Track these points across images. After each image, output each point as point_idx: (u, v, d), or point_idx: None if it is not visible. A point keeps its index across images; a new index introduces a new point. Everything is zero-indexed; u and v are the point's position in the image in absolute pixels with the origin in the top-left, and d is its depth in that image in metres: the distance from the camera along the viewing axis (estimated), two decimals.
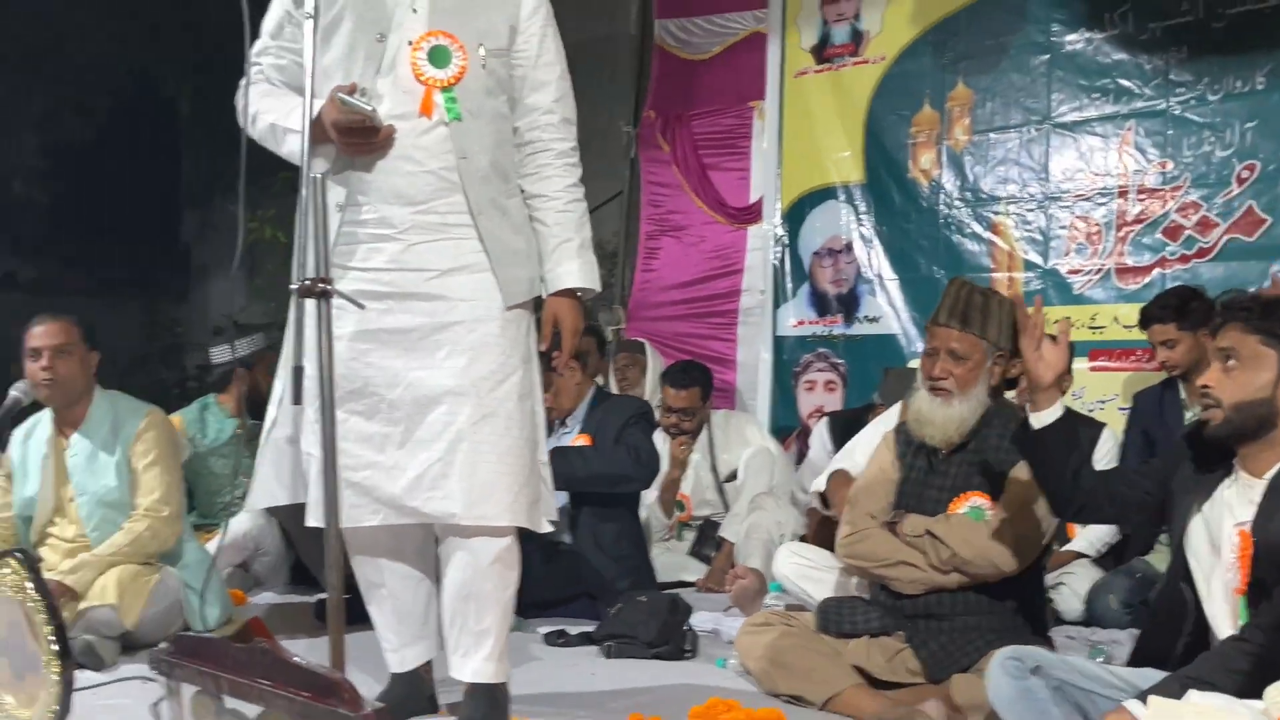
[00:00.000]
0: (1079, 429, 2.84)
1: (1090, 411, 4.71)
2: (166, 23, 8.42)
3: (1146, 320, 4.29)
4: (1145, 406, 4.39)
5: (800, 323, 6.00)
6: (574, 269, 2.79)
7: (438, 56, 2.67)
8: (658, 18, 6.52)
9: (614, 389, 5.83)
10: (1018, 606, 3.16)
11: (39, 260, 10.58)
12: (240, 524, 4.53)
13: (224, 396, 5.16)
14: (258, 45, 2.73)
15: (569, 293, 2.80)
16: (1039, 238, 5.27)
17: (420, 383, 2.65)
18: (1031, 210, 5.29)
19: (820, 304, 5.94)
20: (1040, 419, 2.71)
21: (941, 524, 3.10)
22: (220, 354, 5.12)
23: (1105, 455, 4.21)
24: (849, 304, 5.83)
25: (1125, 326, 4.91)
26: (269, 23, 2.77)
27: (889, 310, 5.67)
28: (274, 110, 2.67)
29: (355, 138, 2.59)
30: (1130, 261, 5.00)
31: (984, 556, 3.03)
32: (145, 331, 10.10)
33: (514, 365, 2.71)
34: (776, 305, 6.06)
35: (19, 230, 10.02)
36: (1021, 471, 3.10)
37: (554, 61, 2.83)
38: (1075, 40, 5.15)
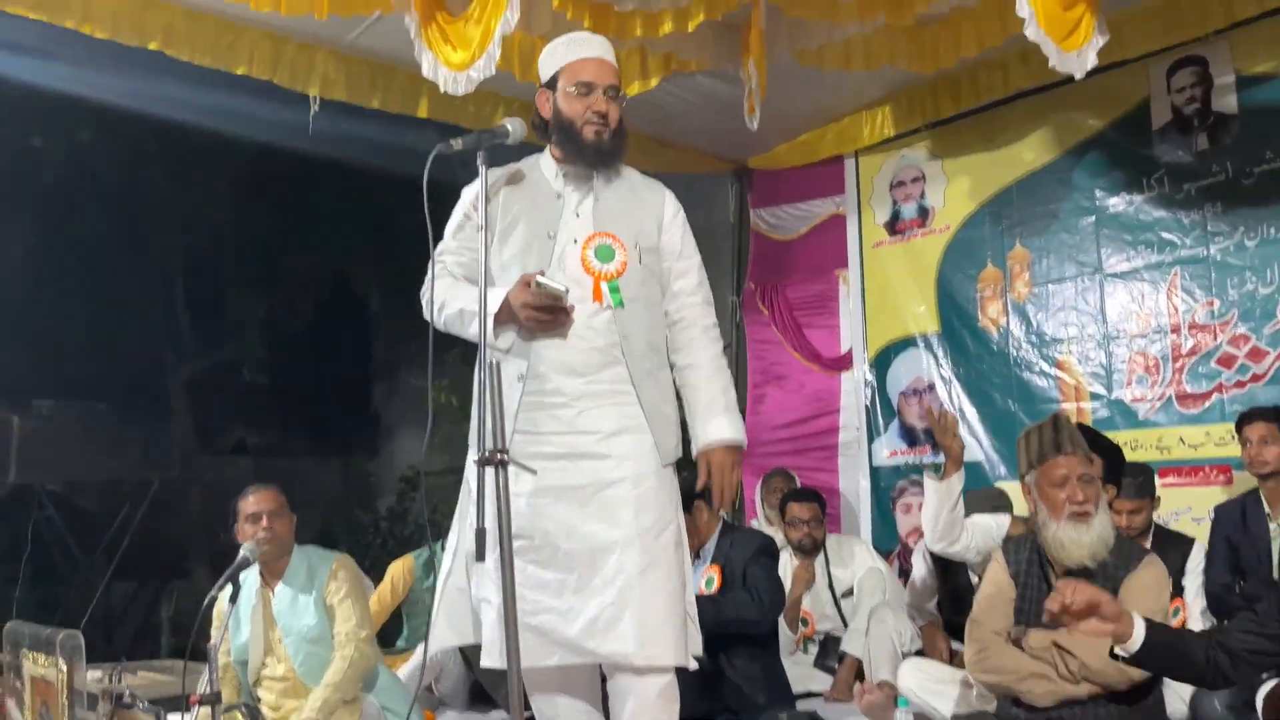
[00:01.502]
0: (1173, 641, 2.32)
1: (1166, 523, 4.25)
2: (358, 235, 8.64)
3: (1245, 420, 3.86)
4: (1227, 517, 3.92)
5: (893, 453, 5.63)
6: (724, 424, 2.59)
7: (603, 253, 2.57)
8: (753, 208, 6.38)
9: (760, 507, 5.51)
10: (1143, 714, 2.74)
11: (261, 429, 10.80)
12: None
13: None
14: (440, 245, 2.63)
15: (721, 445, 2.58)
16: (1101, 371, 4.88)
17: (593, 535, 2.44)
18: (1093, 349, 4.91)
19: (909, 436, 5.57)
20: (1125, 648, 2.29)
21: (1065, 635, 2.71)
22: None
23: (1197, 566, 3.75)
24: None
25: (1190, 446, 4.48)
26: (451, 224, 2.66)
27: (971, 440, 5.24)
28: (461, 299, 2.55)
29: (545, 315, 2.46)
30: (1189, 389, 4.57)
31: (1113, 664, 2.63)
32: (344, 481, 10.15)
33: (670, 516, 2.52)
34: (871, 440, 5.69)
35: (247, 407, 10.27)
36: (1135, 581, 2.75)
37: (693, 253, 2.74)
38: (1118, 203, 4.84)
